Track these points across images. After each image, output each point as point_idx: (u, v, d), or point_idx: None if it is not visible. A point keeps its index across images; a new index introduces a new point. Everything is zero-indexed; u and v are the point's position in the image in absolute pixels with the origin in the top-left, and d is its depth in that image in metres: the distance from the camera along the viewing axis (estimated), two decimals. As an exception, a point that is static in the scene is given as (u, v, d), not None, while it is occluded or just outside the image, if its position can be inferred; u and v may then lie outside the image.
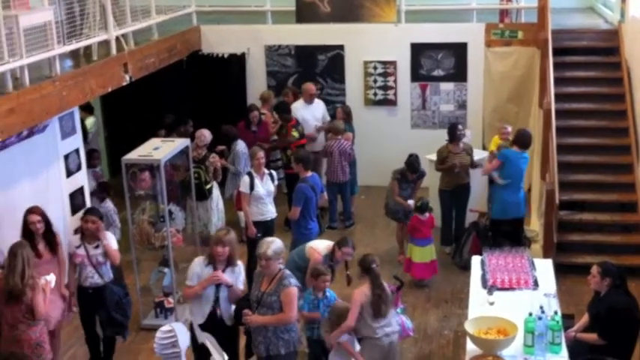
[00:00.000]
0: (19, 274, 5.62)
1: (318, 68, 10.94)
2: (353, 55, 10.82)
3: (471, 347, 5.44)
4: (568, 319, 6.03)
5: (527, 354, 5.30)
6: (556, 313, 5.51)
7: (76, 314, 6.70)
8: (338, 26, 10.73)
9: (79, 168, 8.19)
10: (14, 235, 6.22)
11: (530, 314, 5.38)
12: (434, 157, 8.96)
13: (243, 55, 11.02)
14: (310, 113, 10.09)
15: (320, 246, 6.72)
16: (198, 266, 5.82)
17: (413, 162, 8.48)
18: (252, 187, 7.82)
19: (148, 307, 7.61)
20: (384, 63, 10.78)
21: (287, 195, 9.47)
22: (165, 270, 7.65)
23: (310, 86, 10.20)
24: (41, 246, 6.32)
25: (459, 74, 10.66)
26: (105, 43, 8.09)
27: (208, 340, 5.46)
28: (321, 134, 10.12)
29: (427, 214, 8.13)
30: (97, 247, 6.46)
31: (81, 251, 6.44)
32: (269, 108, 10.26)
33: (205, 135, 8.96)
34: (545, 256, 7.68)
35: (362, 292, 5.81)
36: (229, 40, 11.00)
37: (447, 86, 10.74)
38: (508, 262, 6.55)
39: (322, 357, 6.10)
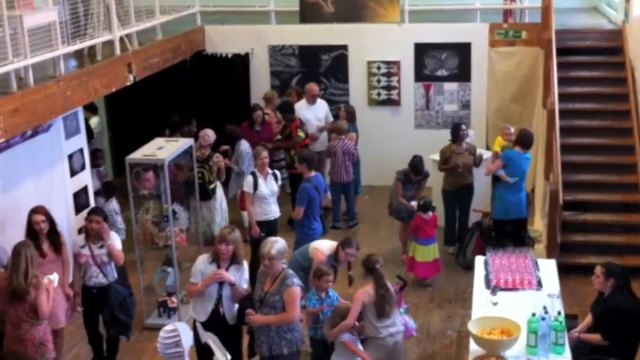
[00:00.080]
0: (23, 274, 5.64)
1: (322, 68, 10.94)
2: (356, 55, 10.82)
3: (474, 347, 5.44)
4: (571, 320, 6.02)
5: (531, 354, 5.29)
6: (559, 313, 5.52)
7: (80, 313, 6.72)
8: (341, 26, 10.73)
9: (83, 167, 8.21)
10: (18, 235, 6.25)
11: (534, 314, 5.38)
12: (437, 157, 8.96)
13: (246, 55, 11.03)
14: (312, 113, 10.10)
15: (323, 246, 6.72)
16: (202, 263, 5.84)
17: (417, 164, 8.49)
18: (255, 186, 7.83)
19: (152, 306, 7.63)
20: (387, 63, 10.78)
21: (290, 195, 9.48)
22: (169, 269, 7.66)
23: (313, 86, 10.20)
24: (45, 246, 6.34)
25: (462, 74, 10.65)
26: (109, 43, 8.10)
27: (211, 340, 5.47)
28: (324, 134, 10.13)
29: (430, 213, 8.13)
30: (101, 246, 6.48)
31: (85, 251, 6.46)
32: (272, 108, 10.27)
33: (209, 135, 8.98)
34: (549, 256, 7.67)
35: (365, 291, 5.82)
36: (233, 40, 11.01)
37: (450, 86, 10.73)
38: (512, 263, 6.54)
39: (325, 357, 6.11)
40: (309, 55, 10.91)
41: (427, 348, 7.07)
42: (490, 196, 8.97)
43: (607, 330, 5.65)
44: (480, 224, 8.62)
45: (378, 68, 10.83)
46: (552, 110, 8.69)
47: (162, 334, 4.99)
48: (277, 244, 5.55)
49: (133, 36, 8.66)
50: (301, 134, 9.61)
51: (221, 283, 5.74)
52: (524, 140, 8.28)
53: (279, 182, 8.19)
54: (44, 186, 7.46)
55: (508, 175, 8.20)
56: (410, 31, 10.63)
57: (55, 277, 5.91)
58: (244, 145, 9.24)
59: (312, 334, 6.20)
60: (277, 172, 8.24)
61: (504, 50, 10.51)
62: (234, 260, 5.80)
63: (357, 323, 5.81)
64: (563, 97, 9.15)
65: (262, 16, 11.28)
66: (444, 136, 9.03)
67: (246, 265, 5.95)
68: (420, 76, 10.75)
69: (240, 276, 5.81)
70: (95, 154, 9.31)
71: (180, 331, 4.97)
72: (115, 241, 6.57)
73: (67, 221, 7.71)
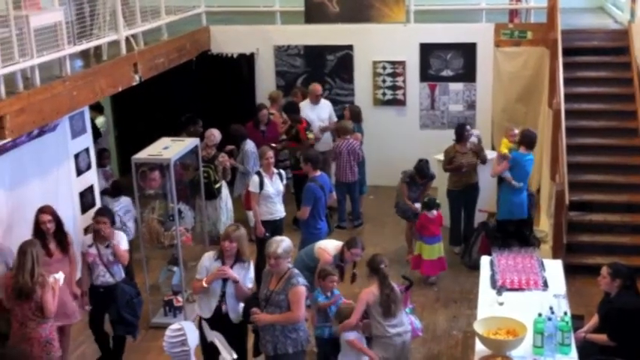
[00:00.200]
0: (29, 272, 5.66)
1: (327, 68, 10.94)
2: (362, 55, 10.82)
3: (480, 348, 5.43)
4: (578, 320, 6.01)
5: (537, 355, 5.28)
6: (566, 313, 5.50)
7: (88, 312, 6.74)
8: (347, 26, 10.73)
9: (89, 167, 8.23)
10: (25, 234, 6.27)
11: (540, 315, 5.36)
12: (442, 157, 8.95)
13: (252, 55, 11.04)
14: (315, 114, 10.10)
15: (329, 246, 6.73)
16: (207, 260, 5.87)
17: (422, 167, 8.50)
18: (261, 186, 7.84)
19: (157, 305, 7.64)
20: (392, 63, 10.78)
21: (294, 195, 9.48)
22: (175, 269, 7.68)
23: (316, 87, 10.21)
24: (52, 245, 6.37)
25: (468, 74, 10.64)
26: (115, 44, 8.11)
27: (217, 339, 5.48)
28: (327, 134, 10.13)
29: (435, 212, 8.13)
30: (108, 246, 6.51)
31: (93, 250, 6.50)
32: (278, 108, 10.28)
33: (215, 134, 9.00)
34: (555, 256, 7.66)
35: (369, 291, 5.83)
36: (238, 41, 11.02)
37: (456, 86, 10.72)
38: (517, 263, 6.53)
39: (332, 357, 6.11)
40: (314, 55, 10.91)
41: (433, 348, 7.06)
42: (496, 197, 8.95)
43: (613, 330, 5.64)
44: (486, 224, 8.63)
45: (384, 68, 10.83)
46: (558, 110, 8.67)
47: (168, 333, 5.00)
48: (283, 243, 5.55)
49: (139, 36, 8.68)
50: (311, 136, 9.64)
51: (225, 280, 5.75)
52: (528, 141, 8.31)
53: (284, 181, 8.20)
54: (50, 185, 7.48)
55: (514, 178, 8.22)
56: (415, 31, 10.63)
57: (60, 275, 5.92)
58: (249, 145, 9.25)
59: (320, 334, 6.20)
60: (282, 172, 8.25)
61: (510, 50, 10.50)
62: (239, 258, 5.81)
63: (360, 323, 5.82)
64: (568, 98, 9.13)
65: (267, 17, 11.29)
66: (449, 136, 9.03)
67: (251, 263, 5.96)
68: (425, 76, 10.75)
69: (244, 274, 5.82)
70: (101, 154, 9.33)
71: (186, 330, 4.98)
72: (121, 241, 6.59)
73: (73, 220, 7.72)
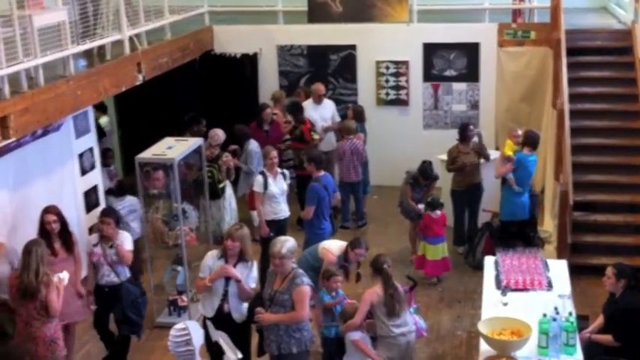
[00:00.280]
0: (34, 272, 5.67)
1: (330, 68, 10.93)
2: (365, 55, 10.81)
3: (484, 348, 5.43)
4: (582, 321, 6.00)
5: (542, 355, 5.28)
6: (570, 314, 5.50)
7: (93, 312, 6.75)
8: (350, 26, 10.72)
9: (93, 166, 8.24)
10: (29, 234, 6.27)
11: (545, 315, 5.36)
12: (445, 157, 8.95)
13: (255, 55, 11.04)
14: (318, 113, 10.09)
15: (333, 246, 6.72)
16: (210, 259, 5.88)
17: (426, 169, 8.50)
18: (265, 186, 7.84)
19: (162, 305, 7.65)
20: (396, 63, 10.77)
21: (297, 195, 9.48)
22: (179, 268, 7.68)
23: (319, 87, 10.20)
24: (57, 245, 6.37)
25: (471, 74, 10.62)
26: (118, 43, 8.12)
27: (222, 338, 5.48)
28: (330, 134, 10.13)
29: (438, 212, 8.13)
30: (111, 246, 6.51)
31: (98, 250, 6.51)
32: (281, 108, 10.27)
33: (219, 134, 9.00)
34: (560, 257, 7.64)
35: (373, 292, 5.83)
36: (241, 40, 11.02)
37: (459, 86, 10.71)
38: (522, 263, 6.53)
39: (337, 357, 6.10)
40: (317, 55, 10.91)
41: (437, 348, 7.06)
42: (500, 197, 8.94)
43: (618, 331, 5.63)
44: (490, 224, 8.63)
45: (387, 68, 10.82)
46: (562, 110, 8.66)
47: (172, 332, 4.99)
48: (288, 243, 5.55)
49: (143, 36, 8.68)
50: (316, 136, 9.65)
51: (228, 280, 5.76)
52: (531, 142, 8.36)
53: (288, 181, 8.20)
54: (55, 185, 7.49)
55: (517, 179, 8.26)
56: (418, 30, 10.62)
57: (65, 275, 5.93)
58: (253, 145, 9.25)
59: (327, 333, 6.19)
60: (286, 171, 8.24)
61: (513, 50, 10.48)
62: (242, 258, 5.81)
63: (364, 323, 5.82)
64: (572, 98, 9.12)
65: (270, 16, 11.29)
66: (453, 136, 9.02)
67: (254, 263, 5.95)
68: (428, 76, 10.73)
69: (247, 273, 5.82)
70: (105, 154, 9.34)
71: (190, 330, 4.97)
72: (125, 241, 6.59)
73: (78, 220, 7.73)
